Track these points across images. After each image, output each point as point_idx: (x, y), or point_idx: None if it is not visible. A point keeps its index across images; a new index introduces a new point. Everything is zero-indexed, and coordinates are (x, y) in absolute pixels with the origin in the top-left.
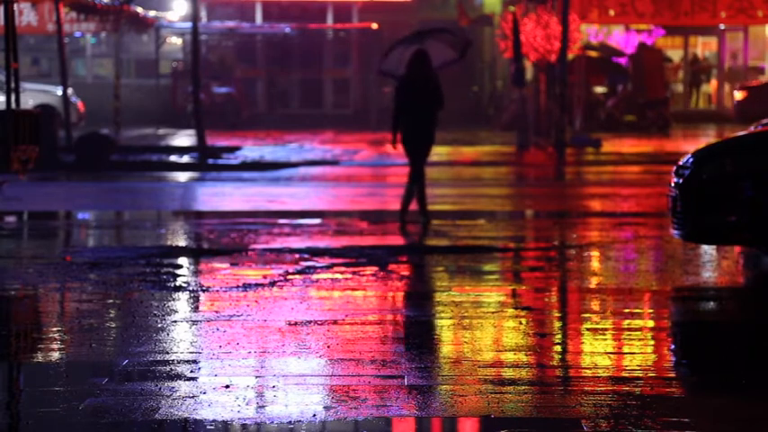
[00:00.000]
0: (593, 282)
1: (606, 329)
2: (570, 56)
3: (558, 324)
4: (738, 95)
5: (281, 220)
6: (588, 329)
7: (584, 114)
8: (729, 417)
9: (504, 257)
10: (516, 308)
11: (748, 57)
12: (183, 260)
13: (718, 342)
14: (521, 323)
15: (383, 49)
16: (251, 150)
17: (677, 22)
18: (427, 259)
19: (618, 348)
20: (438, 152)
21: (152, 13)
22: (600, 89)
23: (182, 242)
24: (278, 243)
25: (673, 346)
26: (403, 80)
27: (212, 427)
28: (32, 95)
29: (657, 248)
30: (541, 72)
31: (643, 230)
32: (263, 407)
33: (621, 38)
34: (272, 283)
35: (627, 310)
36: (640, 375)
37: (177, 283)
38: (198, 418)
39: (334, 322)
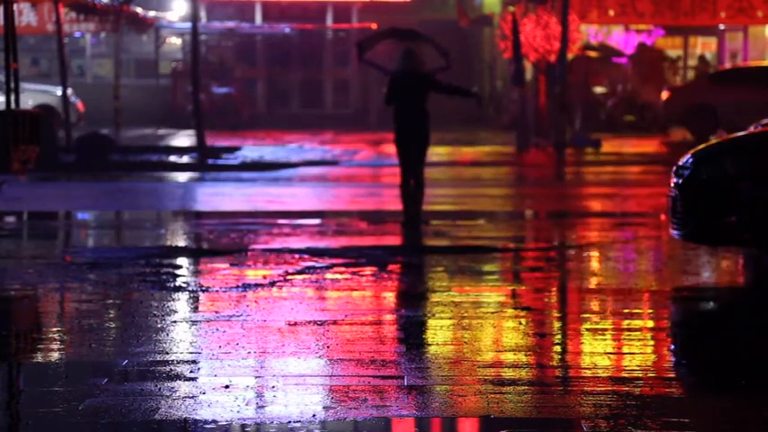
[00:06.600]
0: (593, 282)
1: (606, 329)
2: (570, 56)
3: (557, 324)
4: (664, 95)
5: (281, 221)
6: (588, 329)
7: (583, 114)
8: (729, 417)
9: (504, 258)
10: (516, 308)
11: (748, 57)
12: (182, 260)
13: (718, 342)
14: (520, 323)
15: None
16: (251, 150)
17: (677, 22)
18: (427, 259)
19: (618, 348)
20: (438, 152)
21: (152, 13)
22: (600, 89)
23: (181, 242)
24: (278, 243)
25: (673, 346)
26: (394, 76)
27: (212, 428)
28: (32, 96)
29: (657, 248)
30: (541, 72)
31: (643, 231)
32: (262, 407)
33: (621, 38)
34: (272, 284)
35: (627, 311)
36: (640, 375)
37: (177, 284)
38: (198, 418)
39: (334, 322)
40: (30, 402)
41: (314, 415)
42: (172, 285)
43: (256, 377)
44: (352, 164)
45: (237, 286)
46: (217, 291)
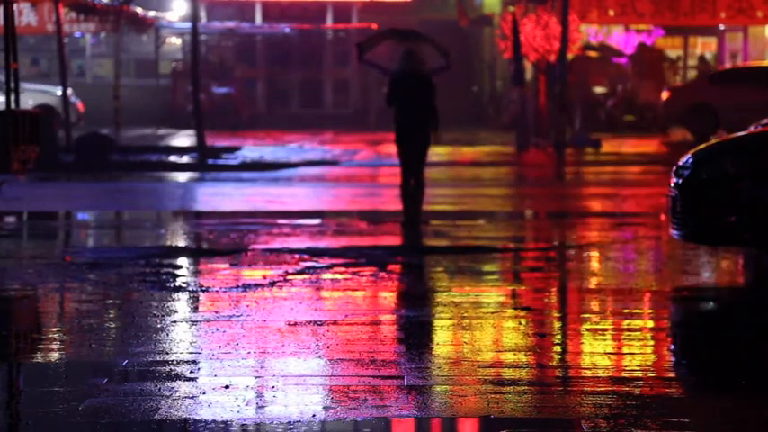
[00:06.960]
0: (593, 282)
1: (606, 329)
2: (570, 56)
3: (557, 324)
4: (664, 95)
5: (281, 221)
6: (588, 329)
7: (583, 114)
8: (729, 417)
9: (504, 258)
10: (516, 308)
11: (748, 57)
12: (182, 260)
13: (718, 342)
14: (520, 323)
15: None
16: (251, 150)
17: (677, 22)
18: (427, 259)
19: (618, 348)
20: (438, 152)
21: (152, 13)
22: (600, 89)
23: (181, 242)
24: (278, 243)
25: (673, 346)
26: (395, 76)
27: (212, 428)
28: (32, 96)
29: (657, 249)
30: (541, 72)
31: (643, 231)
32: (262, 407)
33: (621, 38)
34: (272, 284)
35: (627, 311)
36: (640, 375)
37: (177, 284)
38: (197, 418)
39: (334, 322)
40: (30, 402)
41: (314, 415)
42: (172, 285)
43: (256, 377)
44: (352, 164)
45: (237, 286)
46: (217, 291)
